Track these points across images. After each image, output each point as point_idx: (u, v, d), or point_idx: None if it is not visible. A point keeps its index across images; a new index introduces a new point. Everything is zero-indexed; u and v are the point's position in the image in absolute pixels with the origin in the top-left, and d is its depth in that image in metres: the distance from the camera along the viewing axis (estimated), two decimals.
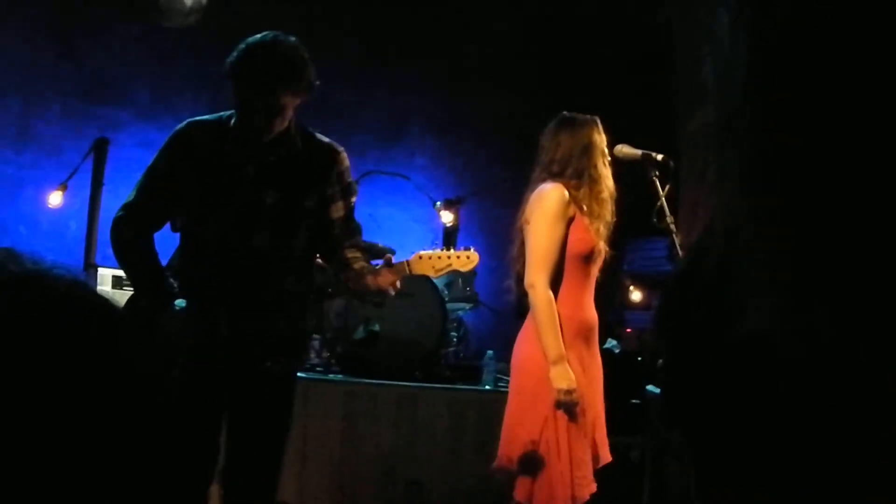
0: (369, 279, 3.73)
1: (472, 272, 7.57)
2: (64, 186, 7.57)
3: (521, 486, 4.25)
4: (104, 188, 7.44)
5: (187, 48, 8.15)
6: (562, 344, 4.17)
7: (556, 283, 4.27)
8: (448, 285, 7.45)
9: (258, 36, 3.68)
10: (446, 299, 7.18)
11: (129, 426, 0.75)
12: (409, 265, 3.89)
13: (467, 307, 7.73)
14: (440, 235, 8.66)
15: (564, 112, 4.51)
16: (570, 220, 4.30)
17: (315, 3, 8.73)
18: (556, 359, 4.15)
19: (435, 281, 7.00)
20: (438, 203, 8.48)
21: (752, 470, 0.68)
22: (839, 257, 0.65)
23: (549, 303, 4.21)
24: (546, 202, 4.30)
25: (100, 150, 7.59)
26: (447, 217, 8.45)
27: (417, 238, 8.66)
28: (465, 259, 3.96)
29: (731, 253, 0.72)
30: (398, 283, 3.80)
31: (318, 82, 3.72)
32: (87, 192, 7.61)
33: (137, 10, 8.15)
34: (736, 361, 0.77)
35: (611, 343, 6.19)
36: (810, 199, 0.65)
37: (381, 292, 3.79)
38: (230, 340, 3.67)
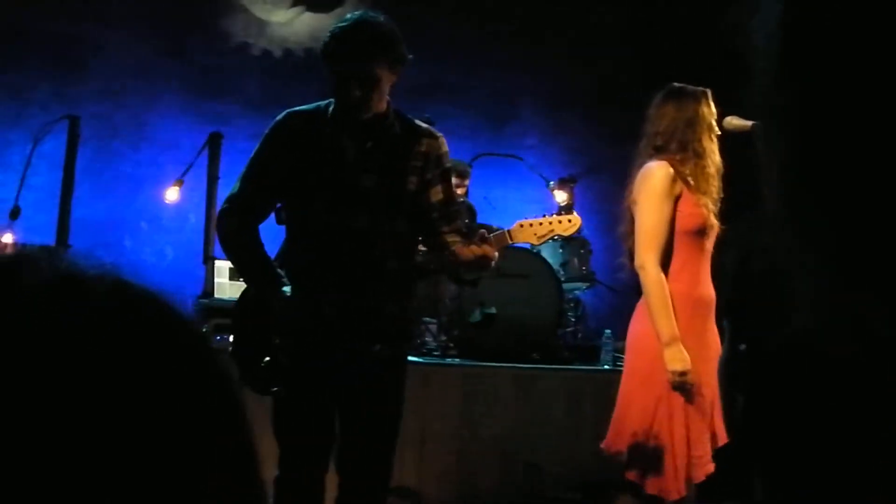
0: (464, 249, 3.68)
1: (588, 251, 7.49)
2: (180, 182, 7.72)
3: (635, 467, 4.18)
4: (219, 181, 7.56)
5: (296, 40, 8.22)
6: (675, 325, 4.07)
7: (666, 262, 4.17)
8: (564, 265, 7.38)
9: (348, 16, 3.73)
10: (562, 279, 7.12)
11: (185, 430, 0.72)
12: (510, 234, 3.84)
13: (584, 286, 7.64)
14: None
15: (674, 83, 4.39)
16: (677, 197, 4.19)
17: None
18: (670, 340, 4.06)
19: (550, 261, 6.94)
20: (552, 182, 8.40)
21: (809, 470, 0.63)
22: (887, 252, 0.59)
23: (660, 283, 4.11)
24: (652, 181, 4.20)
25: (214, 145, 7.72)
26: (561, 196, 8.36)
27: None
28: (567, 223, 3.88)
29: (778, 252, 0.66)
30: (496, 254, 3.72)
31: (410, 57, 3.71)
32: (203, 186, 7.75)
33: (245, 5, 8.27)
34: (786, 361, 0.71)
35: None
36: (852, 194, 0.59)
37: (478, 265, 3.72)
38: (335, 324, 3.67)
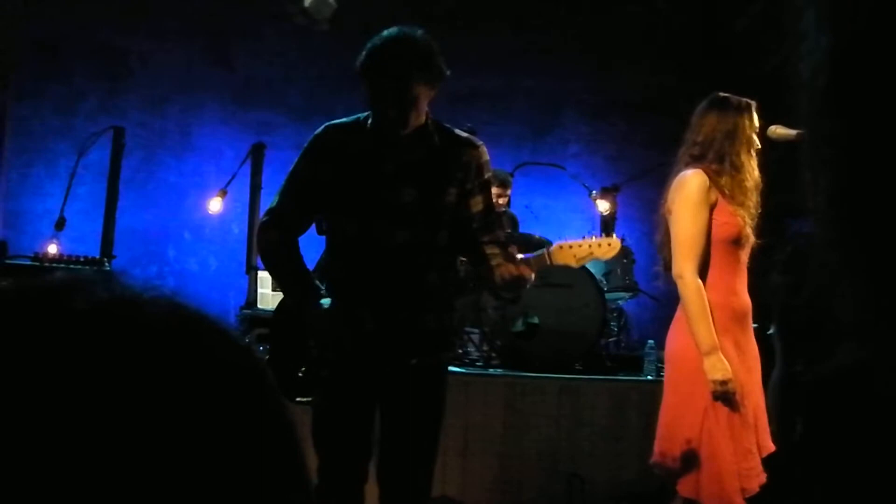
0: (502, 269, 3.68)
1: (632, 260, 7.45)
2: (223, 192, 7.76)
3: (687, 481, 4.12)
4: (262, 192, 7.60)
5: (338, 49, 8.23)
6: (714, 334, 4.03)
7: (704, 271, 4.13)
8: (607, 275, 7.34)
9: (385, 32, 3.68)
10: (605, 289, 7.08)
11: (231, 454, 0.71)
12: (549, 255, 3.84)
13: (627, 296, 7.60)
14: (597, 224, 8.55)
15: (719, 93, 4.34)
16: (713, 206, 4.15)
17: None
18: (710, 349, 4.01)
19: (593, 270, 6.91)
20: (594, 192, 8.37)
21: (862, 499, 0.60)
22: None
23: (699, 292, 4.07)
24: (687, 189, 4.16)
25: (257, 155, 7.76)
26: (603, 206, 8.33)
27: (575, 227, 8.57)
28: (607, 247, 3.90)
29: (825, 281, 0.64)
30: (533, 276, 3.73)
31: (448, 72, 3.69)
32: (246, 196, 7.79)
33: (287, 14, 8.30)
34: (833, 395, 0.69)
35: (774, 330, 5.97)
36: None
37: (515, 284, 3.74)
38: (376, 337, 3.67)
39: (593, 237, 3.93)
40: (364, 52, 3.65)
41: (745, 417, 4.06)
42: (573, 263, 3.90)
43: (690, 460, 4.10)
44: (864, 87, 0.60)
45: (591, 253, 3.87)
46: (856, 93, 0.61)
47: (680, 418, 4.16)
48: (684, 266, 4.10)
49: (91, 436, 0.63)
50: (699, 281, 4.08)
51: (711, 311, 4.05)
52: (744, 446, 4.06)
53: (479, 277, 3.86)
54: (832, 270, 0.61)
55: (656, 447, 4.26)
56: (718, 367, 3.98)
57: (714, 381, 3.98)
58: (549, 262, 3.83)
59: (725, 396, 4.00)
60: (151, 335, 0.69)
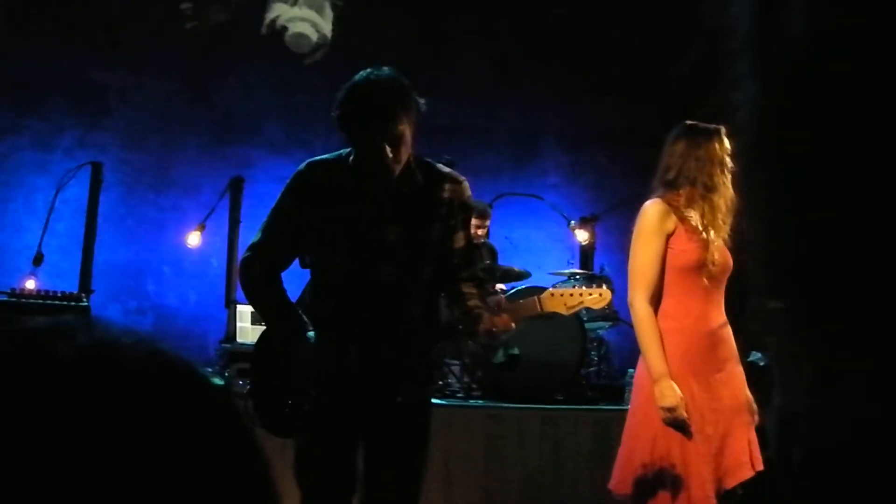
0: (483, 322, 3.69)
1: (611, 290, 7.46)
2: (202, 226, 7.75)
3: None
4: (241, 225, 7.59)
5: (317, 82, 8.26)
6: (663, 361, 4.06)
7: (657, 299, 4.17)
8: None
9: (356, 78, 3.65)
10: (585, 319, 7.09)
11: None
12: (541, 302, 3.86)
13: (607, 325, 7.62)
14: (577, 254, 8.57)
15: (687, 121, 4.40)
16: (670, 234, 4.19)
17: (443, 29, 8.79)
18: (658, 376, 4.05)
19: None
20: (573, 222, 8.40)
21: None
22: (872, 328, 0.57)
23: (647, 320, 4.12)
24: (642, 219, 4.24)
25: (235, 189, 7.76)
26: (582, 236, 8.36)
27: (554, 258, 8.60)
28: (598, 297, 3.94)
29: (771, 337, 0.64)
30: (512, 325, 3.74)
31: (423, 101, 3.70)
32: (226, 230, 7.79)
33: (266, 49, 8.34)
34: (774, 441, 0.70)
35: (755, 356, 5.99)
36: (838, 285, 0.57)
37: (491, 336, 3.76)
38: (361, 374, 3.66)
39: (584, 287, 3.98)
40: (341, 101, 3.61)
41: (700, 446, 4.06)
42: (563, 311, 3.92)
43: (642, 486, 4.13)
44: (791, 138, 0.61)
45: (583, 302, 3.91)
46: (783, 143, 0.62)
47: (634, 444, 4.20)
48: (634, 294, 4.18)
49: (76, 477, 0.64)
50: (649, 308, 4.13)
51: (666, 338, 4.09)
52: (701, 475, 4.06)
53: (462, 324, 3.86)
54: (769, 316, 0.62)
55: (614, 472, 4.30)
56: (667, 394, 4.02)
57: (662, 408, 4.02)
58: (539, 310, 3.86)
59: (675, 423, 4.02)
60: (131, 382, 0.70)
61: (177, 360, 0.75)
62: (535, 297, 3.88)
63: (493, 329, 3.70)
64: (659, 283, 4.19)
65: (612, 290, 7.38)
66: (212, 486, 0.70)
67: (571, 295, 3.92)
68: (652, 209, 4.23)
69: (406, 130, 3.62)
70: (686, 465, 4.05)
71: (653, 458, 4.09)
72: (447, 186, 3.81)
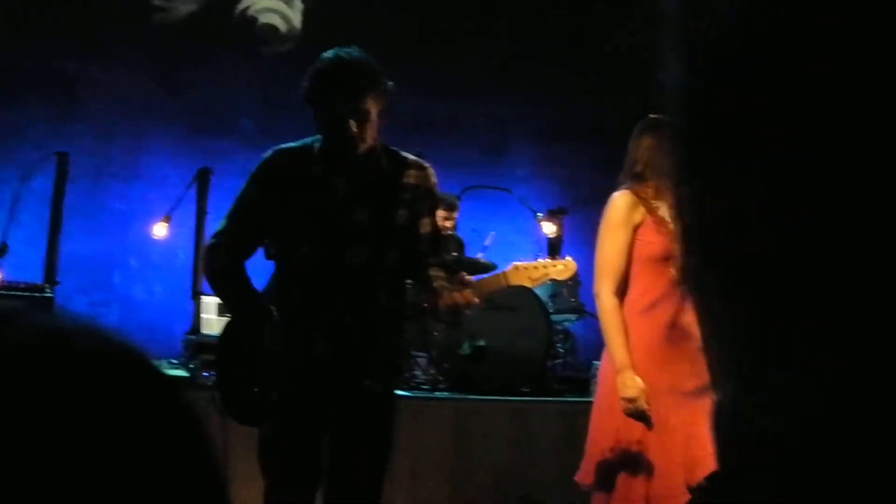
0: (443, 296, 3.69)
1: (577, 282, 7.49)
2: (168, 218, 7.71)
3: (599, 498, 4.18)
4: (208, 217, 7.56)
5: (289, 75, 8.23)
6: (626, 352, 4.08)
7: (623, 290, 4.19)
8: (553, 297, 7.38)
9: (325, 55, 3.71)
10: (552, 311, 7.12)
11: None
12: (505, 276, 3.88)
13: (574, 318, 7.64)
14: (544, 247, 8.59)
15: (651, 115, 4.42)
16: (637, 225, 4.21)
17: (413, 22, 8.77)
18: (621, 366, 4.08)
19: (539, 292, 6.94)
20: (540, 215, 8.42)
21: None
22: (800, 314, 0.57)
23: (612, 311, 4.15)
24: (610, 210, 4.27)
25: (202, 180, 7.72)
26: (549, 229, 8.38)
27: (522, 251, 8.58)
28: (562, 267, 3.95)
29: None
30: (475, 300, 3.74)
31: (391, 83, 3.72)
32: (192, 222, 7.75)
33: (236, 40, 8.30)
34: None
35: None
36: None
37: (458, 310, 3.75)
38: (328, 360, 3.67)
39: (548, 258, 3.98)
40: (310, 76, 3.67)
41: (663, 437, 4.08)
42: (528, 284, 3.94)
43: (605, 477, 4.15)
44: (714, 130, 0.62)
45: (547, 273, 3.92)
46: (707, 136, 0.62)
47: (598, 436, 4.22)
48: (600, 285, 4.20)
49: (21, 465, 0.64)
50: (615, 299, 4.15)
51: (631, 329, 4.11)
52: (662, 467, 4.08)
53: (425, 302, 3.87)
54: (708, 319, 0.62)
55: (581, 463, 4.32)
56: (629, 385, 4.04)
57: (624, 399, 4.04)
58: (504, 283, 3.87)
59: (636, 414, 4.04)
60: (81, 368, 0.71)
61: (127, 348, 0.76)
62: (501, 272, 3.89)
63: (456, 304, 3.70)
64: (625, 274, 4.21)
65: (580, 283, 7.47)
66: (157, 474, 0.70)
67: (536, 267, 3.93)
68: (620, 200, 4.24)
69: (372, 108, 3.65)
70: (648, 456, 4.08)
71: (615, 449, 4.11)
72: (412, 173, 3.84)
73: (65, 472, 0.65)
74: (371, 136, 3.70)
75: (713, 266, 0.60)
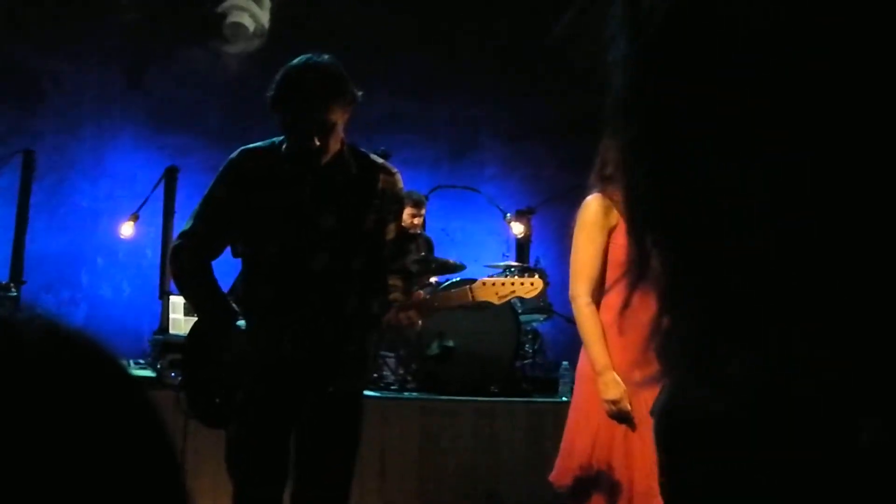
0: (391, 314, 3.71)
1: (546, 283, 7.51)
2: (135, 216, 7.67)
3: (579, 499, 4.19)
4: (176, 216, 7.54)
5: (255, 72, 8.21)
6: (606, 354, 4.09)
7: (600, 293, 4.21)
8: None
9: (294, 62, 3.68)
10: (520, 311, 7.13)
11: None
12: (472, 291, 3.89)
13: (542, 318, 7.66)
14: (513, 246, 8.60)
15: None
16: (612, 228, 4.23)
17: (381, 20, 8.76)
18: (601, 369, 4.09)
19: None
20: (509, 215, 8.44)
21: None
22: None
23: (590, 314, 4.15)
24: (583, 213, 4.26)
25: (170, 179, 7.69)
26: (518, 228, 8.40)
27: (490, 250, 8.63)
28: (529, 286, 3.98)
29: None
30: (418, 323, 3.77)
31: (360, 94, 3.71)
32: (160, 220, 7.72)
33: (204, 38, 8.26)
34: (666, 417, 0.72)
35: None
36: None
37: (397, 330, 3.80)
38: (294, 363, 3.66)
39: (517, 276, 4.01)
40: (276, 84, 3.63)
41: (645, 437, 4.10)
42: (495, 301, 3.96)
43: (584, 478, 4.15)
44: (658, 95, 0.62)
45: (514, 292, 3.95)
46: (650, 100, 0.63)
47: (577, 437, 4.22)
48: (577, 289, 4.19)
49: None
50: (591, 303, 4.16)
51: (608, 332, 4.12)
52: (647, 466, 4.09)
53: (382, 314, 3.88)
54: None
55: (556, 464, 4.32)
56: (611, 387, 4.05)
57: (606, 401, 4.05)
58: (470, 298, 3.88)
59: (619, 415, 4.05)
60: (29, 358, 0.70)
61: (77, 337, 0.75)
62: (468, 287, 3.92)
63: (397, 323, 3.73)
64: (601, 278, 4.21)
65: (547, 283, 7.49)
66: (112, 463, 0.70)
67: (503, 284, 3.95)
68: (594, 204, 4.25)
69: (337, 119, 3.64)
70: (629, 457, 4.08)
71: (595, 451, 4.11)
72: (380, 177, 3.83)
73: (11, 468, 0.65)
74: (335, 145, 3.69)
75: (695, 264, 0.60)
